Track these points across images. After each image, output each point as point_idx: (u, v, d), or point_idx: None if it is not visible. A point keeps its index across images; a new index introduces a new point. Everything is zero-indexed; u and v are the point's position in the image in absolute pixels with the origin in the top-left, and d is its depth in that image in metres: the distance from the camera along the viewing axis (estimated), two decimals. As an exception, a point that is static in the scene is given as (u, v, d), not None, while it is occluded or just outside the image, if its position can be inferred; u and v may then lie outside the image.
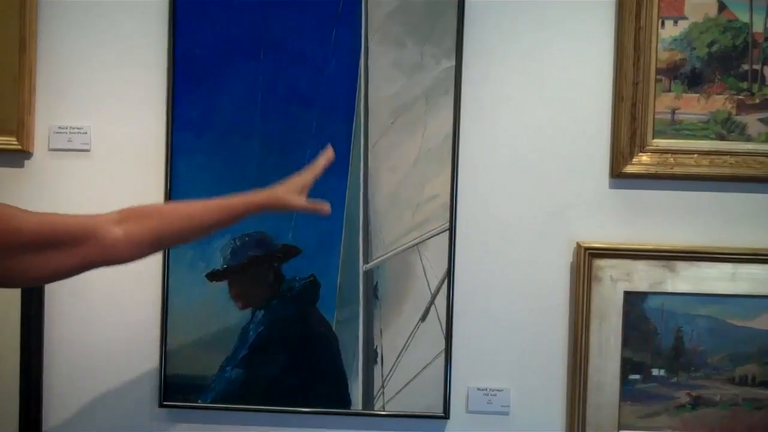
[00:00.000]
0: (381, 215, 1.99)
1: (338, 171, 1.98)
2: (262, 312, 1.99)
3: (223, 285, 1.99)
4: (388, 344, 1.98)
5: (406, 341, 1.98)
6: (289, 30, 2.00)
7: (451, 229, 1.98)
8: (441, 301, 1.98)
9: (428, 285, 1.98)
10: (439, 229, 1.99)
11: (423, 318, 1.98)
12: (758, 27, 1.98)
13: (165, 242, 1.57)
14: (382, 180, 1.99)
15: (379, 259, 1.99)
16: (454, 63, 1.98)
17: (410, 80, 1.99)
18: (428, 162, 1.99)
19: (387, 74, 1.99)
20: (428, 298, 1.98)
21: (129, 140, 2.00)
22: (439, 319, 1.98)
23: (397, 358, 1.98)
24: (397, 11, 1.98)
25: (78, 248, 1.40)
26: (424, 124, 1.99)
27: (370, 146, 1.99)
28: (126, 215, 1.47)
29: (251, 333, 1.99)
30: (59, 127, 2.00)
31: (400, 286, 1.99)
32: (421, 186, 1.99)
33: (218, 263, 1.98)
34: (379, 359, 1.98)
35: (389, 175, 1.99)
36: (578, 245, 1.96)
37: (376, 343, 1.98)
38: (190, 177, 1.99)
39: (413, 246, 1.99)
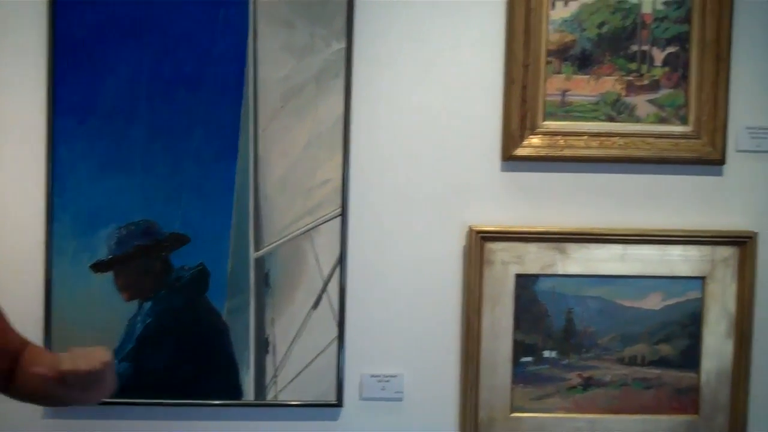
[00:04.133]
0: (272, 201, 2.28)
1: (227, 156, 2.28)
2: (150, 303, 2.27)
3: (109, 276, 2.25)
4: (280, 333, 2.28)
5: (299, 329, 2.30)
6: (174, 10, 2.27)
7: (343, 215, 2.28)
8: (333, 287, 2.29)
9: (320, 271, 2.29)
10: (331, 214, 2.29)
11: (315, 305, 2.29)
12: (647, 8, 2.33)
13: None
14: (272, 165, 2.28)
15: (270, 246, 2.29)
16: (344, 45, 2.27)
17: (300, 62, 2.28)
18: (320, 146, 2.29)
19: (276, 56, 2.28)
20: (320, 284, 2.30)
21: (7, 126, 2.26)
22: (331, 306, 2.29)
23: (290, 347, 2.29)
24: (286, -9, 2.26)
25: None
26: (315, 107, 2.29)
27: (259, 130, 2.28)
28: None
29: (138, 325, 2.27)
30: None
31: (292, 274, 2.29)
32: (312, 171, 2.29)
33: (103, 254, 2.26)
34: (270, 348, 2.29)
35: (280, 159, 2.29)
36: (470, 229, 2.28)
37: (267, 332, 2.28)
38: (72, 163, 2.27)
39: (305, 232, 2.29)
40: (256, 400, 2.31)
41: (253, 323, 2.30)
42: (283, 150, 2.30)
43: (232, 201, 2.29)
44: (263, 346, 2.30)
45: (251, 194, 2.29)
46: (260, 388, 2.31)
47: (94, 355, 1.62)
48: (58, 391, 1.63)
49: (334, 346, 2.31)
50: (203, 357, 2.29)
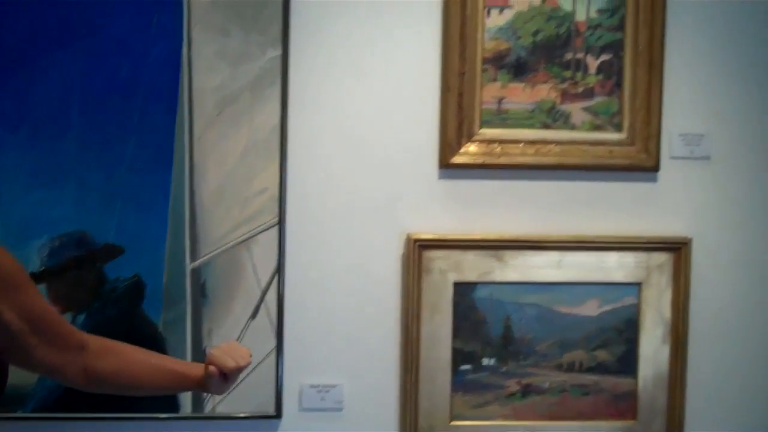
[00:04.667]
0: (208, 210, 2.30)
1: (162, 165, 2.30)
2: (84, 316, 2.27)
3: (42, 288, 2.26)
4: (217, 344, 2.26)
5: (237, 340, 2.29)
6: (107, 16, 2.28)
7: (281, 223, 2.31)
8: (272, 297, 2.32)
9: (258, 281, 2.31)
10: (268, 223, 2.31)
11: (253, 315, 2.31)
12: (581, 16, 2.39)
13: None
14: (208, 174, 2.30)
15: (206, 257, 2.30)
16: (280, 52, 2.29)
17: (236, 70, 2.30)
18: (256, 155, 2.31)
19: (211, 64, 2.30)
20: (258, 294, 2.31)
21: (-67, 137, 2.22)
22: (269, 316, 2.31)
23: (227, 358, 2.28)
24: (221, -2, 2.27)
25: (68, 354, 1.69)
26: (251, 115, 2.31)
27: (195, 139, 2.29)
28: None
29: (72, 338, 2.24)
30: None
31: (230, 284, 2.31)
32: (249, 179, 2.31)
33: (35, 266, 2.25)
34: (208, 360, 2.28)
35: (216, 168, 2.30)
36: (408, 237, 2.31)
37: (204, 343, 2.30)
38: (3, 174, 2.26)
39: (242, 242, 2.30)
40: (193, 413, 2.32)
41: (189, 335, 2.30)
42: (219, 159, 2.31)
43: (167, 211, 2.29)
44: (201, 357, 2.30)
45: (187, 203, 2.30)
46: (198, 400, 2.31)
47: (242, 350, 1.73)
48: (213, 387, 1.70)
49: (273, 357, 2.33)
50: (139, 370, 2.29)
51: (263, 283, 2.32)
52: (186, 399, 2.31)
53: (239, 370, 1.69)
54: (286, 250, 2.33)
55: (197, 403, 2.31)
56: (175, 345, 2.30)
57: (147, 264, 2.29)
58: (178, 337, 2.30)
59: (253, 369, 2.31)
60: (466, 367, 2.38)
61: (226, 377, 1.69)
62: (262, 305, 2.32)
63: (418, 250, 2.33)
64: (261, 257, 2.32)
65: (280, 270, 2.32)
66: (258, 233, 2.32)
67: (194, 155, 2.30)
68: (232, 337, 2.30)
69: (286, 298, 2.33)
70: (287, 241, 2.33)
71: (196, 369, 1.74)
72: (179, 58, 2.29)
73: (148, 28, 2.28)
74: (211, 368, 1.67)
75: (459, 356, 2.38)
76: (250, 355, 1.74)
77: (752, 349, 2.49)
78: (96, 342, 1.75)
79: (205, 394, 2.29)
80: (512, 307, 2.39)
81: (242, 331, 2.32)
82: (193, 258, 2.31)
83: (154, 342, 2.29)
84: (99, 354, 1.73)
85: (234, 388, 2.23)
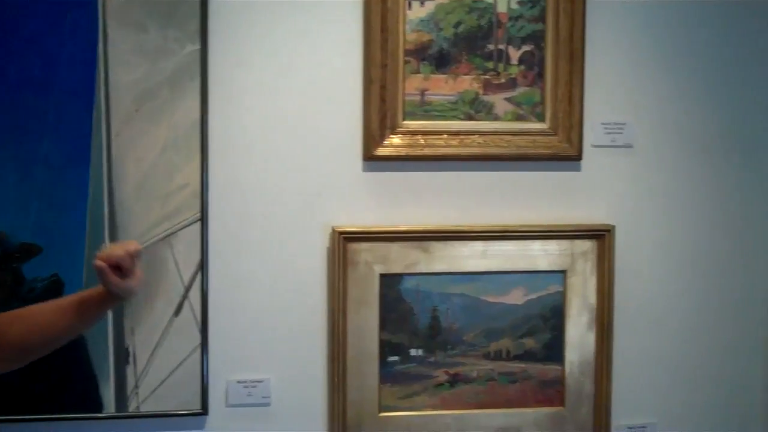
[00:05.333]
0: (128, 208, 2.28)
1: (79, 162, 2.28)
2: (1, 317, 2.22)
3: (-44, 291, 2.21)
4: (140, 342, 2.29)
5: (160, 338, 2.31)
6: (20, 11, 2.25)
7: (203, 219, 2.30)
8: (195, 293, 2.31)
9: (181, 278, 2.30)
10: (190, 219, 2.31)
11: (176, 312, 2.30)
12: (502, 7, 2.43)
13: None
14: (127, 170, 2.29)
15: (127, 254, 2.26)
16: (199, 47, 2.28)
17: (154, 65, 2.29)
18: (176, 150, 2.30)
19: (128, 59, 2.29)
20: (182, 291, 2.30)
21: None
22: (193, 312, 2.30)
23: (151, 356, 2.29)
24: (137, -7, 2.26)
25: None
26: (170, 110, 2.31)
27: (112, 135, 2.28)
28: None
29: (-11, 340, 2.21)
30: None
31: (152, 281, 2.29)
32: (170, 175, 2.30)
33: (-51, 267, 2.20)
34: (131, 358, 2.29)
35: (135, 165, 2.29)
36: (333, 230, 2.32)
37: (127, 342, 2.29)
38: None
39: (164, 238, 2.29)
40: (117, 412, 2.30)
41: (111, 334, 2.28)
42: (139, 155, 2.30)
43: (86, 208, 2.27)
44: (123, 356, 2.29)
45: (105, 201, 2.28)
46: (121, 399, 2.29)
47: (128, 241, 1.76)
48: (116, 286, 1.66)
49: (198, 354, 2.32)
50: (60, 370, 2.26)
51: (186, 280, 2.31)
52: (109, 398, 2.29)
53: (130, 255, 1.66)
54: (209, 245, 2.32)
55: (121, 402, 2.29)
56: (96, 344, 2.28)
57: (66, 263, 2.26)
58: (99, 336, 2.27)
59: (179, 366, 2.31)
60: (394, 358, 2.40)
61: (121, 271, 1.65)
62: (186, 302, 2.31)
63: (343, 242, 2.34)
64: (183, 253, 2.31)
65: (203, 266, 2.32)
66: (180, 229, 2.31)
67: (112, 152, 2.28)
68: (154, 337, 2.30)
69: (210, 294, 2.32)
70: (210, 236, 2.32)
71: (98, 287, 1.72)
72: (95, 54, 2.27)
73: (62, 25, 2.26)
74: (97, 262, 1.65)
75: (387, 348, 2.39)
76: (138, 244, 1.73)
77: (675, 333, 2.55)
78: (1, 318, 1.74)
79: (128, 392, 2.28)
80: (439, 298, 2.41)
81: (165, 328, 2.30)
82: (114, 256, 2.29)
83: (74, 343, 2.26)
84: (4, 326, 1.71)
85: (160, 384, 2.24)
